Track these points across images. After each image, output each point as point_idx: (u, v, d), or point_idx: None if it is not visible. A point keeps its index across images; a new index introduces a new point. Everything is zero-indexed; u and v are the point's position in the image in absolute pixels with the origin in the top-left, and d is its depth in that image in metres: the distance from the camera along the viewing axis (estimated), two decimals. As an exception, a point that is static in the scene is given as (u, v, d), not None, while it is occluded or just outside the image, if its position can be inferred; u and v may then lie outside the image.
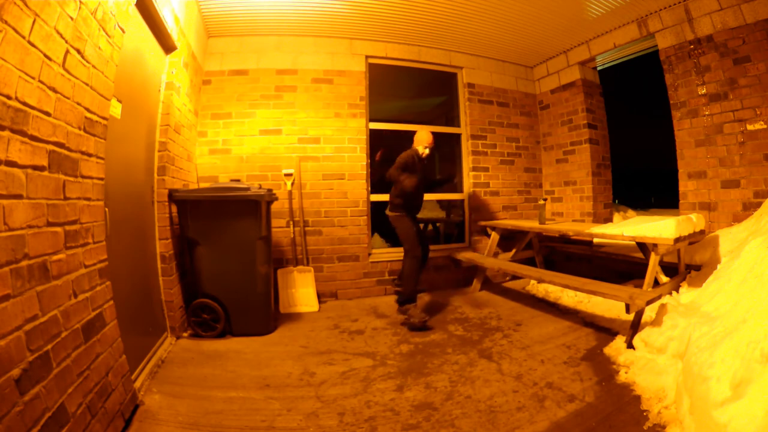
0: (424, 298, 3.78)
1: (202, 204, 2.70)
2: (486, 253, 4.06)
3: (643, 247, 2.64)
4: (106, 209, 1.74)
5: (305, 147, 3.82)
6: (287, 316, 3.28)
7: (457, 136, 4.49)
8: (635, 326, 2.40)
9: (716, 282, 2.15)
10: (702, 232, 2.84)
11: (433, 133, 3.24)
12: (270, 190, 2.93)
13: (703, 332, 1.69)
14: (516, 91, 4.73)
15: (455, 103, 4.54)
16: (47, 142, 1.27)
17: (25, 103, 1.16)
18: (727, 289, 1.97)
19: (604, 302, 3.01)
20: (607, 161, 4.50)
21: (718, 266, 2.38)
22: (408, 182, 2.98)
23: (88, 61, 1.50)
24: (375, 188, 4.07)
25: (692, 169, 3.32)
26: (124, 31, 1.79)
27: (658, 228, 2.50)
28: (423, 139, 3.21)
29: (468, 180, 4.43)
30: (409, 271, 3.13)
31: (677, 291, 2.60)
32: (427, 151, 3.19)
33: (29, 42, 1.16)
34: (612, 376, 2.08)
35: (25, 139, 1.16)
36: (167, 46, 2.69)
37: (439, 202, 5.76)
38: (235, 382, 2.13)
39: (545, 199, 3.82)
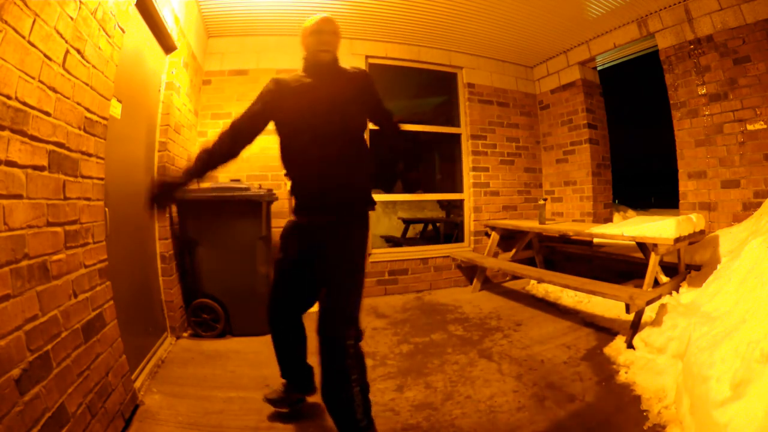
0: (424, 298, 3.79)
1: (202, 204, 2.70)
2: (486, 253, 4.06)
3: (643, 247, 2.64)
4: (106, 209, 1.74)
5: (305, 147, 3.81)
6: (287, 316, 3.28)
7: (457, 136, 4.49)
8: (635, 326, 2.39)
9: (716, 282, 2.15)
10: (702, 232, 2.84)
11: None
12: (270, 190, 2.92)
13: (703, 332, 1.69)
14: (516, 91, 4.72)
15: (455, 103, 4.53)
16: (47, 142, 1.27)
17: (25, 103, 1.15)
18: (727, 289, 1.96)
19: (604, 302, 3.00)
20: (607, 161, 4.50)
21: (718, 266, 2.37)
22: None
23: (88, 61, 1.50)
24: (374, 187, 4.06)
25: (692, 169, 3.32)
26: (124, 31, 1.79)
27: (658, 228, 2.50)
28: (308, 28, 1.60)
29: (468, 180, 4.43)
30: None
31: (677, 291, 2.60)
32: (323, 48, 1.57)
33: (29, 42, 1.16)
34: (612, 376, 2.08)
35: (25, 139, 1.16)
36: (167, 46, 2.68)
37: (439, 202, 5.76)
38: (236, 382, 2.13)
39: (545, 199, 3.82)
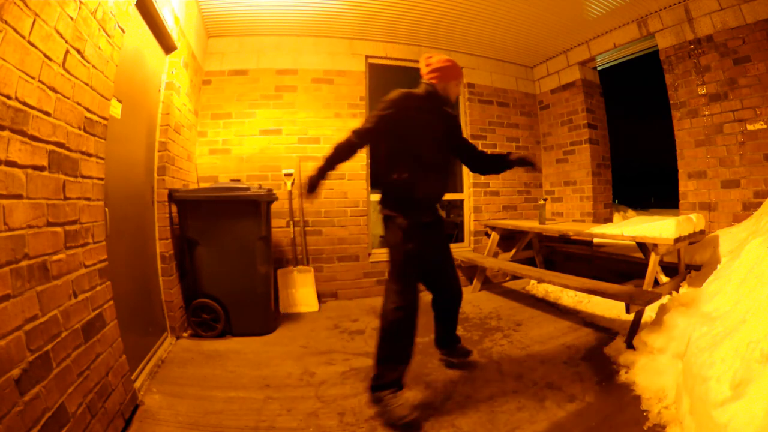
0: (424, 298, 3.77)
1: (202, 204, 2.70)
2: (486, 253, 4.06)
3: (643, 247, 2.64)
4: (106, 209, 1.74)
5: (305, 147, 3.81)
6: (287, 316, 3.28)
7: (457, 136, 4.49)
8: (635, 326, 2.39)
9: (716, 282, 2.15)
10: (702, 232, 2.84)
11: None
12: (270, 190, 2.93)
13: (703, 332, 1.68)
14: (516, 91, 4.73)
15: (455, 103, 4.54)
16: (47, 142, 1.27)
17: (25, 103, 1.15)
18: (727, 289, 1.96)
19: (604, 302, 3.00)
20: (607, 161, 4.50)
21: (718, 266, 2.37)
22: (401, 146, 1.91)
23: (88, 61, 1.50)
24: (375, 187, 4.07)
25: (692, 169, 3.32)
26: (124, 31, 1.79)
27: (658, 228, 2.50)
28: (456, 72, 2.08)
29: (468, 180, 4.43)
30: (388, 327, 1.84)
31: (677, 291, 2.60)
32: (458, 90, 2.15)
33: (29, 42, 1.16)
34: (612, 376, 2.08)
35: (25, 139, 1.16)
36: (167, 46, 2.68)
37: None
38: (235, 382, 2.13)
39: (545, 199, 3.82)
